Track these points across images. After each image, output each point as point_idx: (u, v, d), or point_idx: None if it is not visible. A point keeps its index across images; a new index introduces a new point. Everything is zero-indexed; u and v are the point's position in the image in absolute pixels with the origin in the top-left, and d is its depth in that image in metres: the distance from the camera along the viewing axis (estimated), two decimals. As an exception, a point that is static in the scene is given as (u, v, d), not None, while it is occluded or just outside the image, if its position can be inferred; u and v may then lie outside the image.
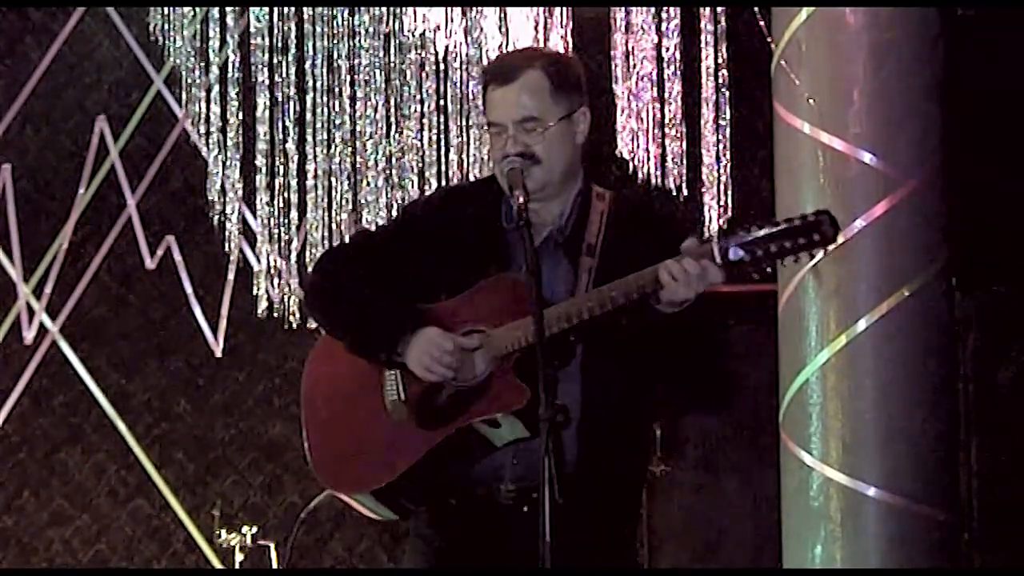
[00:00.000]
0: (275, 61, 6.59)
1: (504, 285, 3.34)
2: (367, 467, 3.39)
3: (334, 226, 6.64)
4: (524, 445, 3.29)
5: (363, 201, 6.62)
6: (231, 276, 6.94)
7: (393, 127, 6.62)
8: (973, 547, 6.22)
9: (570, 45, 6.35)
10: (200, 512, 6.89)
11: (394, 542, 6.84)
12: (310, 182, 6.66)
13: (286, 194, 6.68)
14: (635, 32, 6.37)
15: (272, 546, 6.12)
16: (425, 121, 6.60)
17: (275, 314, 6.74)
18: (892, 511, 5.00)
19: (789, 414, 5.20)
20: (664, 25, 6.35)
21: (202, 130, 6.68)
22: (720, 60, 6.36)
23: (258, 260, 6.81)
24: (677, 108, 6.42)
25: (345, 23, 6.57)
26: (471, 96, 6.52)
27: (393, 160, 6.62)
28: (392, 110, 6.61)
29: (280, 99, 6.62)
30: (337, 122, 6.62)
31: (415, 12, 6.35)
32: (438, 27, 6.34)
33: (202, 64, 6.65)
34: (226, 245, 6.73)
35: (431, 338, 3.32)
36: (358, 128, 6.60)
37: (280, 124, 6.64)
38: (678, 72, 6.38)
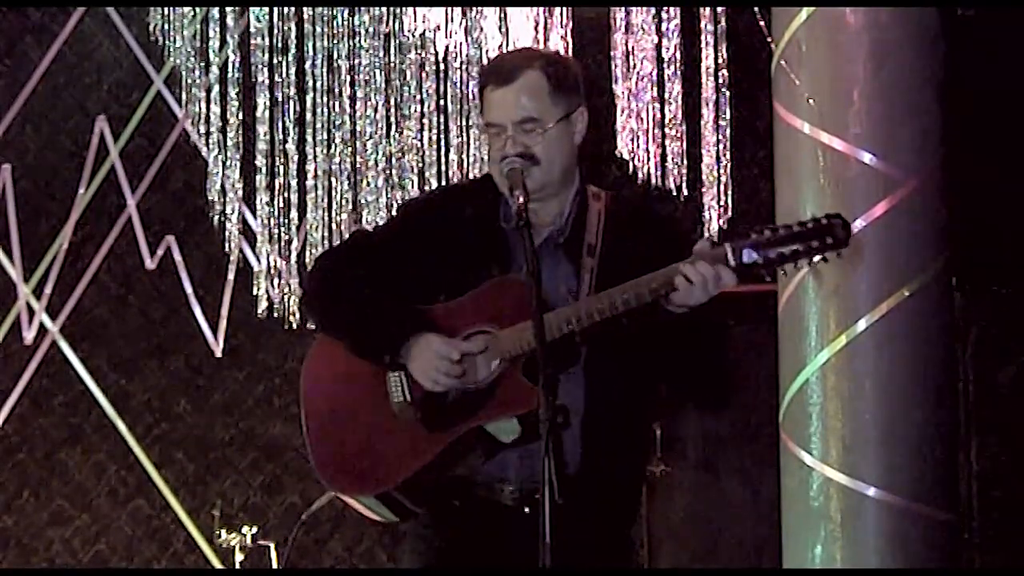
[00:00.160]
0: (275, 61, 6.59)
1: (510, 286, 3.33)
2: (374, 470, 3.36)
3: (334, 226, 6.64)
4: (529, 446, 3.26)
5: (363, 201, 6.62)
6: (231, 276, 6.93)
7: (393, 127, 6.62)
8: (973, 547, 6.21)
9: (570, 45, 6.35)
10: (200, 512, 6.89)
11: (394, 542, 6.84)
12: (310, 182, 6.66)
13: (286, 194, 6.68)
14: (635, 32, 6.37)
15: (272, 546, 6.12)
16: (425, 121, 6.60)
17: (275, 314, 6.74)
18: (892, 511, 5.00)
19: (789, 414, 5.20)
20: (664, 25, 6.35)
21: (202, 130, 6.68)
22: (720, 60, 6.36)
23: (258, 260, 6.81)
24: (677, 108, 6.41)
25: (345, 23, 6.56)
26: (471, 96, 6.52)
27: (393, 160, 6.62)
28: (392, 110, 6.61)
29: (280, 99, 6.62)
30: (337, 122, 6.62)
31: (415, 12, 6.35)
32: (438, 27, 6.34)
33: (202, 64, 6.65)
34: (226, 245, 6.73)
35: (435, 347, 3.30)
36: (358, 128, 6.60)
37: (280, 124, 6.64)
38: (678, 72, 6.38)
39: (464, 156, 6.59)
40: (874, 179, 5.04)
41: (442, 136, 6.60)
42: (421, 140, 6.59)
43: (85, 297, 7.01)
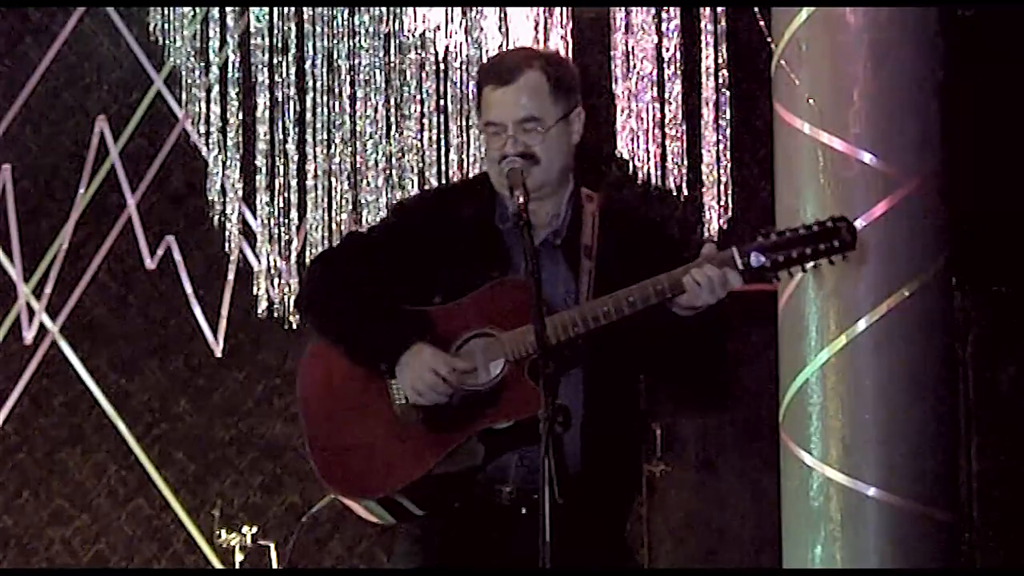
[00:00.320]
0: (275, 61, 6.59)
1: (511, 288, 3.31)
2: (378, 473, 3.33)
3: (334, 226, 6.64)
4: (529, 447, 3.24)
5: (363, 201, 6.62)
6: (231, 276, 6.93)
7: (393, 127, 6.62)
8: (973, 547, 6.21)
9: (570, 45, 6.35)
10: (200, 512, 6.89)
11: (394, 542, 6.83)
12: (310, 182, 6.66)
13: (286, 194, 6.68)
14: (635, 32, 6.37)
15: (272, 546, 6.11)
16: (425, 121, 6.60)
17: (275, 314, 6.74)
18: (892, 511, 5.00)
19: (789, 414, 5.20)
20: (664, 25, 6.35)
21: (202, 130, 6.68)
22: (720, 60, 6.36)
23: (258, 260, 6.81)
24: (677, 108, 6.42)
25: (345, 23, 6.56)
26: (471, 96, 6.52)
27: (393, 160, 6.62)
28: (392, 110, 6.61)
29: (280, 99, 6.62)
30: (337, 122, 6.62)
31: (415, 12, 6.35)
32: (438, 27, 6.34)
33: (202, 64, 6.65)
34: (226, 245, 6.73)
35: (425, 360, 3.26)
36: (358, 128, 6.60)
37: (280, 124, 6.64)
38: (678, 72, 6.38)
39: (464, 156, 6.59)
40: (874, 179, 5.04)
41: (442, 136, 6.60)
42: (421, 140, 6.59)
43: (85, 297, 7.01)
